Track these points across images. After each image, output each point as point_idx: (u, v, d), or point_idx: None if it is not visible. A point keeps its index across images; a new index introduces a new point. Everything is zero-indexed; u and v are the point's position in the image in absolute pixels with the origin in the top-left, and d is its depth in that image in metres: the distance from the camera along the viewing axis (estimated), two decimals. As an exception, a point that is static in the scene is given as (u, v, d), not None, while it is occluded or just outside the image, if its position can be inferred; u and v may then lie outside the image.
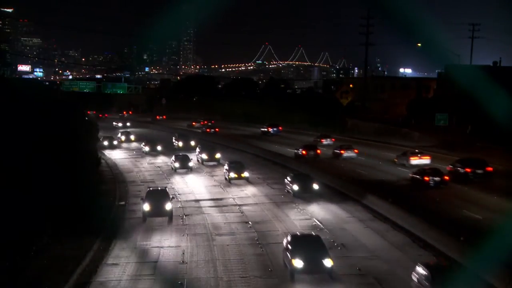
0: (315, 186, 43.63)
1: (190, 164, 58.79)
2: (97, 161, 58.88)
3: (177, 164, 58.70)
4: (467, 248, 26.51)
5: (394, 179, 50.59)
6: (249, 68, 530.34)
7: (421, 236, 31.50)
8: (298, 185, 43.89)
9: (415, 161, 56.05)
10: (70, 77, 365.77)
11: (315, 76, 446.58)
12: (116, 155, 75.38)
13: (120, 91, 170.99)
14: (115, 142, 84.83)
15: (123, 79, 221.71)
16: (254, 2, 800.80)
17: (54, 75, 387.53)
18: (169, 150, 75.05)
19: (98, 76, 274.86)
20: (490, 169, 47.78)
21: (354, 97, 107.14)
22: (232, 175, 51.26)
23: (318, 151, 65.32)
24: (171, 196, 39.50)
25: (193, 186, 52.01)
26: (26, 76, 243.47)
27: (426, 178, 45.49)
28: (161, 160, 69.82)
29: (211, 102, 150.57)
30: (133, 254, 30.70)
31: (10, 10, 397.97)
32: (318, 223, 36.23)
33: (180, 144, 78.42)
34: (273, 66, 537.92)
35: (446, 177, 46.09)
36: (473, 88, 56.89)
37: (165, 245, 32.51)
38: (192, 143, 77.82)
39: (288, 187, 45.49)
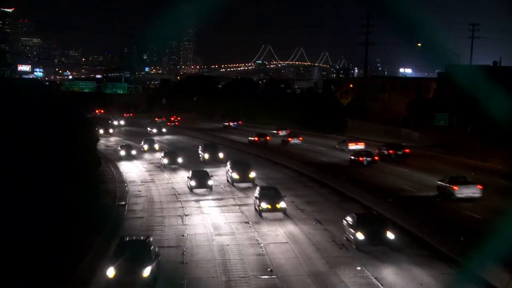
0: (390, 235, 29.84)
1: (210, 182, 48.57)
2: (97, 162, 58.87)
3: (193, 182, 48.28)
4: (467, 248, 26.51)
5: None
6: (249, 68, 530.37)
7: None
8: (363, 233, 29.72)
9: (352, 146, 68.56)
10: (70, 77, 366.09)
11: (315, 76, 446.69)
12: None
13: (120, 91, 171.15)
14: (134, 152, 72.54)
15: (123, 79, 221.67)
16: (254, 2, 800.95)
17: (54, 75, 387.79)
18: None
19: (98, 76, 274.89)
20: (407, 151, 60.47)
21: (354, 97, 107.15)
22: (264, 205, 38.39)
23: (268, 138, 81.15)
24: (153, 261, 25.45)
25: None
26: (26, 76, 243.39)
27: (361, 159, 57.58)
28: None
29: (211, 102, 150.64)
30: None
31: (10, 10, 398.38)
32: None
33: (206, 156, 66.09)
34: (273, 66, 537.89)
35: (376, 158, 58.54)
36: (473, 88, 56.91)
37: (165, 245, 32.50)
38: (221, 155, 65.56)
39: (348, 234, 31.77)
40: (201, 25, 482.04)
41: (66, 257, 28.47)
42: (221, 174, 55.31)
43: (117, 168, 63.79)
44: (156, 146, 79.14)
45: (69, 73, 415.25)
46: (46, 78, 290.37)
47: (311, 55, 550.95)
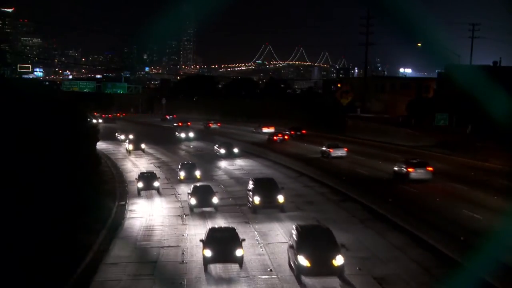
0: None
1: (215, 200, 40.48)
2: (97, 161, 58.85)
3: (193, 201, 40.55)
4: (468, 248, 26.53)
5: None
6: (249, 68, 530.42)
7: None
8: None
9: (265, 129, 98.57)
10: (70, 77, 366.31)
11: (315, 76, 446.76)
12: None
13: (120, 91, 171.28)
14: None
15: (123, 79, 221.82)
16: (254, 2, 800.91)
17: (54, 75, 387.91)
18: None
19: (98, 76, 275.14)
20: (304, 131, 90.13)
21: (354, 97, 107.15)
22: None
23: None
24: None
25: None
26: (26, 76, 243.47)
27: (275, 138, 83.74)
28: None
29: (211, 102, 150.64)
30: (133, 254, 30.69)
31: (10, 10, 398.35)
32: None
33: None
34: (273, 66, 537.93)
35: (286, 137, 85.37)
36: (473, 88, 56.86)
37: (165, 245, 32.50)
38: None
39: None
40: (201, 25, 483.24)
41: (66, 257, 28.48)
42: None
43: (117, 168, 63.80)
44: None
45: (69, 73, 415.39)
46: (47, 78, 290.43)
47: (311, 55, 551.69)
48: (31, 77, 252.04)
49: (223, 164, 65.40)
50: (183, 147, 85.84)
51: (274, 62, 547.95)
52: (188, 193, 41.68)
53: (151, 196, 47.91)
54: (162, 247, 32.01)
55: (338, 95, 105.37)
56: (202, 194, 40.79)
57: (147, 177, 49.70)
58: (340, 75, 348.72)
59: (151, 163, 68.01)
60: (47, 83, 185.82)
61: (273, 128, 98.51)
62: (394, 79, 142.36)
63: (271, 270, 27.52)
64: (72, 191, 35.10)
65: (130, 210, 42.35)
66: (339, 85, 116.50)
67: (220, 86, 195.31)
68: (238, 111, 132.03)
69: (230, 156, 69.33)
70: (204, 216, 39.52)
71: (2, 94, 37.13)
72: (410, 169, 46.04)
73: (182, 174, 53.63)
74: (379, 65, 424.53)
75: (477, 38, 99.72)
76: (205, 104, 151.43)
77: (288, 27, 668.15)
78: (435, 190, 43.51)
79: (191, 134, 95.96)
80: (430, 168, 46.73)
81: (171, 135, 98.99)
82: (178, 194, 48.11)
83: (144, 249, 31.79)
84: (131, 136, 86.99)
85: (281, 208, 39.46)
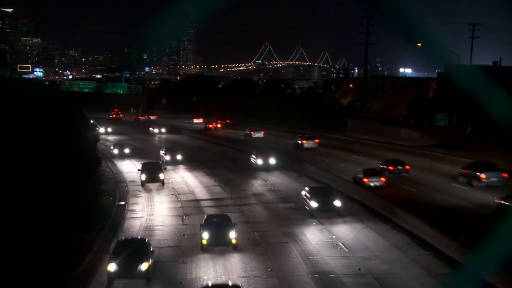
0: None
1: (232, 234, 30.99)
2: (97, 161, 58.88)
3: (206, 235, 30.88)
4: (468, 248, 26.53)
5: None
6: (249, 68, 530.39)
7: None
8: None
9: (195, 120, 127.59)
10: (70, 77, 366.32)
11: (315, 76, 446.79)
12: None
13: (120, 91, 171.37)
14: None
15: (123, 79, 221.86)
16: (254, 2, 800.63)
17: (54, 75, 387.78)
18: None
19: (98, 76, 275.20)
20: (228, 121, 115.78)
21: (354, 97, 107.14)
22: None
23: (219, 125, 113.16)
24: None
25: None
26: (26, 76, 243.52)
27: (210, 126, 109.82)
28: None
29: (211, 102, 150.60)
30: (133, 254, 30.62)
31: (10, 10, 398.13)
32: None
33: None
34: (273, 66, 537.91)
35: (219, 125, 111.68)
36: (473, 88, 56.84)
37: (165, 245, 32.49)
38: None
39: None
40: (201, 25, 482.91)
41: (66, 257, 28.47)
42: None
43: (117, 168, 63.79)
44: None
45: (69, 73, 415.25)
46: (46, 78, 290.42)
47: (311, 55, 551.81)
48: (31, 77, 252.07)
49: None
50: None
51: (274, 62, 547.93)
52: (201, 226, 32.29)
53: (151, 196, 47.89)
54: (162, 247, 32.00)
55: (338, 95, 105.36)
56: (217, 230, 31.36)
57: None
58: (340, 75, 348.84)
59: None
60: (47, 83, 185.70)
61: (202, 119, 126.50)
62: (394, 79, 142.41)
63: (271, 270, 27.52)
64: (72, 191, 35.10)
65: (130, 210, 42.31)
66: (351, 85, 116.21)
67: (220, 86, 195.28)
68: (238, 111, 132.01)
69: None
70: (204, 215, 39.62)
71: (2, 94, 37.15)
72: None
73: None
74: (379, 65, 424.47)
75: (477, 38, 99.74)
76: (205, 104, 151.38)
77: (288, 27, 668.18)
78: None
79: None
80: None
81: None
82: (178, 194, 48.10)
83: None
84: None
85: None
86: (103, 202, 43.06)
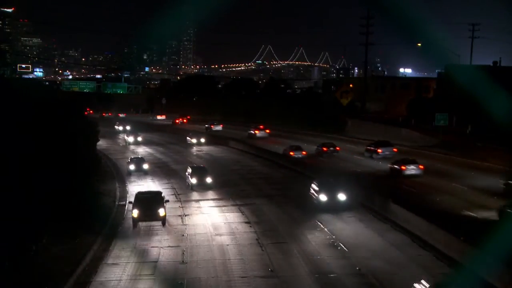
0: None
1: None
2: (97, 161, 58.81)
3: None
4: (468, 248, 26.52)
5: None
6: (249, 68, 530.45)
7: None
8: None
9: (159, 117, 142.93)
10: (70, 77, 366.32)
11: (315, 76, 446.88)
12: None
13: (120, 91, 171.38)
14: None
15: (123, 79, 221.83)
16: (254, 2, 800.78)
17: (54, 75, 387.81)
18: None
19: (98, 76, 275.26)
20: (189, 117, 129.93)
21: (354, 97, 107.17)
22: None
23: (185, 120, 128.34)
24: None
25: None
26: (26, 76, 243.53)
27: (177, 121, 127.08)
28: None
29: (211, 102, 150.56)
30: (133, 254, 30.68)
31: (10, 10, 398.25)
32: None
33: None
34: (273, 66, 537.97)
35: (185, 121, 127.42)
36: (473, 88, 56.89)
37: (165, 245, 32.50)
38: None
39: None
40: (201, 25, 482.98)
41: (66, 257, 28.49)
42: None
43: (116, 168, 63.79)
44: None
45: (69, 73, 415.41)
46: (46, 78, 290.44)
47: (311, 55, 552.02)
48: (31, 77, 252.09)
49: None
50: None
51: (274, 62, 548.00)
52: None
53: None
54: (162, 247, 32.01)
55: (338, 95, 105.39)
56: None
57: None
58: (340, 75, 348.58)
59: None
60: (47, 83, 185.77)
61: (164, 116, 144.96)
62: (394, 79, 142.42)
63: (271, 270, 27.53)
64: (72, 191, 35.09)
65: (130, 210, 42.28)
66: (351, 85, 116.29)
67: (220, 86, 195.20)
68: (238, 111, 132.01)
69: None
70: (204, 215, 39.67)
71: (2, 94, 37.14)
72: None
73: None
74: (379, 65, 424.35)
75: (477, 38, 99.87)
76: (205, 104, 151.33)
77: (288, 27, 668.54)
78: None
79: None
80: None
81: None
82: (178, 194, 48.09)
83: (144, 249, 31.78)
84: None
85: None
86: (103, 202, 43.03)
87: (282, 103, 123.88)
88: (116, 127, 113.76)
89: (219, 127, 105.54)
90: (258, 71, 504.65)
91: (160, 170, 61.75)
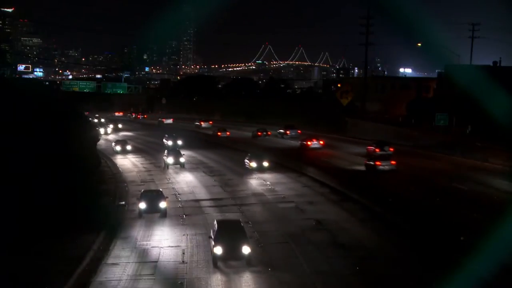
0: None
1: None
2: (97, 161, 58.88)
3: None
4: (468, 248, 26.53)
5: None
6: (249, 68, 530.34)
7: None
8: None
9: (116, 114, 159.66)
10: (70, 77, 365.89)
11: (315, 76, 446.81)
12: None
13: (120, 91, 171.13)
14: None
15: (123, 79, 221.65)
16: (254, 2, 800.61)
17: (54, 75, 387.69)
18: None
19: (98, 76, 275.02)
20: (145, 116, 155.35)
21: (354, 97, 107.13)
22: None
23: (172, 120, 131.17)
24: None
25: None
26: (26, 76, 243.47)
27: (138, 116, 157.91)
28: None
29: (211, 102, 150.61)
30: (133, 254, 30.66)
31: (10, 10, 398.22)
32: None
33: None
34: (273, 66, 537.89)
35: (145, 116, 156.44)
36: (473, 88, 56.89)
37: (165, 245, 32.49)
38: None
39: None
40: (201, 25, 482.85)
41: (66, 257, 28.48)
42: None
43: (116, 168, 63.82)
44: None
45: (69, 73, 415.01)
46: (46, 78, 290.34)
47: (311, 55, 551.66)
48: (31, 77, 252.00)
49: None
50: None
51: (274, 62, 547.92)
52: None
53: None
54: (162, 247, 32.01)
55: (338, 95, 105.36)
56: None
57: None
58: (340, 75, 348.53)
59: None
60: (47, 83, 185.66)
61: (122, 113, 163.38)
62: (394, 79, 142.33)
63: (271, 270, 27.54)
64: (72, 191, 35.10)
65: (130, 210, 42.30)
66: (339, 85, 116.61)
67: (220, 86, 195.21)
68: (238, 111, 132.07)
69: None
70: (203, 214, 39.69)
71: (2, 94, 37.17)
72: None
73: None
74: (379, 65, 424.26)
75: (477, 38, 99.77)
76: (205, 104, 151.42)
77: (288, 27, 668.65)
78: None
79: None
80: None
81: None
82: (178, 194, 48.11)
83: (144, 249, 31.77)
84: None
85: None
86: (102, 202, 43.01)
87: (282, 103, 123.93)
88: (165, 141, 78.84)
89: (169, 121, 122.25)
90: (258, 71, 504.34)
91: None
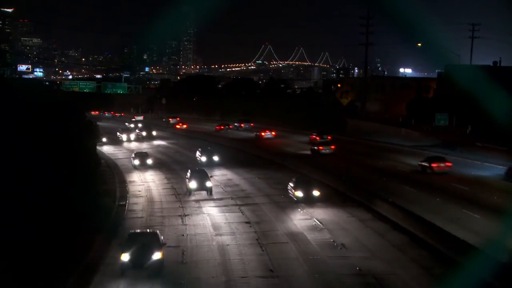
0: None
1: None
2: (97, 161, 58.86)
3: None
4: (468, 248, 26.55)
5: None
6: (249, 68, 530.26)
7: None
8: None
9: (93, 113, 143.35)
10: (70, 77, 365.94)
11: (315, 76, 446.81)
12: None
13: (120, 91, 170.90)
14: None
15: (123, 79, 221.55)
16: (254, 2, 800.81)
17: (54, 75, 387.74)
18: None
19: (98, 76, 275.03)
20: (142, 116, 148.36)
21: (354, 97, 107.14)
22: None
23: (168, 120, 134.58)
24: None
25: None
26: (26, 76, 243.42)
27: (117, 114, 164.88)
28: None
29: (211, 102, 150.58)
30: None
31: (10, 10, 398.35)
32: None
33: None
34: (273, 66, 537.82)
35: (122, 114, 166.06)
36: (473, 88, 56.90)
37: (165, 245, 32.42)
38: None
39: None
40: (201, 25, 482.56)
41: (66, 257, 28.47)
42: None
43: (116, 168, 63.86)
44: None
45: (69, 73, 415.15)
46: (46, 78, 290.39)
47: (311, 55, 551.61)
48: (31, 77, 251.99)
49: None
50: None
51: (274, 62, 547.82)
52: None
53: (151, 196, 47.92)
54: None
55: (338, 95, 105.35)
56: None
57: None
58: (340, 75, 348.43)
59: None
60: (47, 83, 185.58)
61: (97, 112, 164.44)
62: (394, 79, 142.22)
63: (271, 270, 27.53)
64: (72, 191, 35.09)
65: (130, 210, 42.31)
66: (339, 85, 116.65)
67: (220, 86, 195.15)
68: (238, 111, 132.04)
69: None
70: (204, 214, 39.69)
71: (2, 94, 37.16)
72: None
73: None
74: (379, 65, 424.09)
75: (477, 38, 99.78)
76: (205, 104, 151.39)
77: (288, 27, 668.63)
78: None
79: None
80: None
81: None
82: (178, 194, 48.11)
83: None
84: None
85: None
86: (103, 202, 43.02)
87: (282, 103, 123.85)
88: (198, 156, 65.03)
89: (140, 118, 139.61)
90: (258, 71, 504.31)
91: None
